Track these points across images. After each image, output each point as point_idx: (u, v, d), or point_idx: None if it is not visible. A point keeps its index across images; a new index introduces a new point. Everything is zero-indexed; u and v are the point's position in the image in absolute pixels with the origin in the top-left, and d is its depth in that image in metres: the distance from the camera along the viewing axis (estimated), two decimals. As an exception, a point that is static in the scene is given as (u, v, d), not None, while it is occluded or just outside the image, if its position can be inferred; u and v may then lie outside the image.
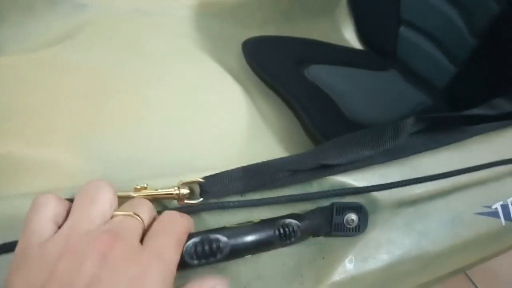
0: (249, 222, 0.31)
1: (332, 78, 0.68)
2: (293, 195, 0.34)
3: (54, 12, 0.55)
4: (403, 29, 0.72)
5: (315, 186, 0.36)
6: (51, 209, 0.24)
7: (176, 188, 0.30)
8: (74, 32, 0.54)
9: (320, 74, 0.68)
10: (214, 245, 0.28)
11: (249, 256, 0.30)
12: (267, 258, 0.35)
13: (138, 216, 0.25)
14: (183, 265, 0.27)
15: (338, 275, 0.35)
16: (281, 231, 0.31)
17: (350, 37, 0.82)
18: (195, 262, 0.27)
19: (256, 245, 0.30)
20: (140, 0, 0.61)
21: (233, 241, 0.29)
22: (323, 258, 0.36)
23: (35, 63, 0.50)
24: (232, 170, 0.32)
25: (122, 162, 0.41)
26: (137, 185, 0.29)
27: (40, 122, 0.44)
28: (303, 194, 0.34)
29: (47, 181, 0.36)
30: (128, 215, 0.25)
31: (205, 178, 0.31)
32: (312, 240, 0.36)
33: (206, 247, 0.27)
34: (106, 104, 0.48)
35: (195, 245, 0.27)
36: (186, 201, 0.31)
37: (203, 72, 0.60)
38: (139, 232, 0.25)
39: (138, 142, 0.46)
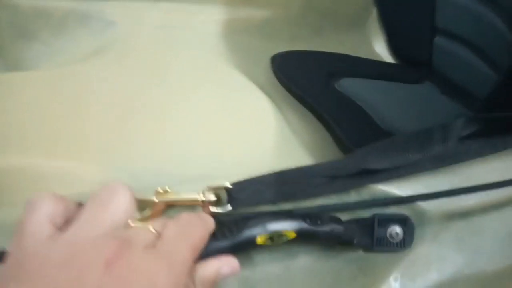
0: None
1: (365, 91, 0.65)
2: (330, 205, 0.31)
3: (85, 29, 0.56)
4: (438, 39, 0.69)
5: (353, 196, 0.33)
6: (46, 209, 0.22)
7: (201, 193, 0.28)
8: (103, 49, 0.55)
9: (351, 87, 0.65)
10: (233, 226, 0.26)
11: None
12: (301, 276, 0.32)
13: (155, 230, 0.23)
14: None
15: (382, 296, 0.31)
16: (308, 219, 0.28)
17: (381, 51, 0.79)
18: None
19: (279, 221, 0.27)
20: (168, 16, 0.61)
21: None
22: (364, 275, 0.32)
23: (63, 78, 0.50)
24: (264, 175, 0.29)
25: (146, 173, 0.40)
26: (159, 188, 0.27)
27: (64, 134, 0.43)
28: (341, 203, 0.31)
29: (68, 191, 0.34)
30: (144, 228, 0.23)
31: (233, 184, 0.29)
32: (352, 255, 0.33)
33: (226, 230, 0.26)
34: (132, 117, 0.47)
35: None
36: (211, 209, 0.28)
37: (231, 86, 0.59)
38: (151, 241, 0.22)
39: (164, 154, 0.44)
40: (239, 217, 0.27)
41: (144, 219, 0.25)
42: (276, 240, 0.27)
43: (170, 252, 0.22)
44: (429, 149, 0.31)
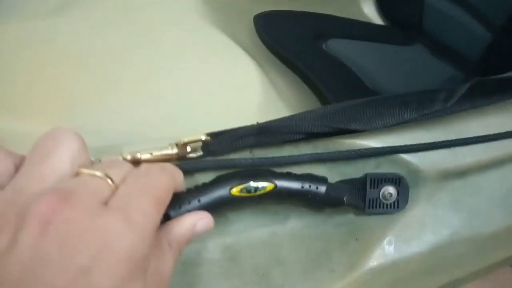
0: None
1: (353, 52, 0.62)
2: (312, 154, 0.28)
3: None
4: (429, -2, 0.66)
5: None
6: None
7: (174, 145, 0.25)
8: (69, 3, 0.50)
9: (340, 48, 0.62)
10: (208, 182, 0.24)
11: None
12: (288, 241, 0.29)
13: (110, 178, 0.19)
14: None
15: (375, 260, 0.29)
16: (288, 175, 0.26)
17: (369, 12, 0.76)
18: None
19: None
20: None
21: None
22: (356, 239, 0.30)
23: (28, 33, 0.45)
24: (245, 127, 0.26)
25: (121, 136, 0.36)
26: (127, 154, 0.24)
27: (30, 95, 0.39)
28: (321, 153, 0.28)
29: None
30: (94, 175, 0.19)
31: (211, 135, 0.26)
32: (342, 219, 0.30)
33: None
34: (104, 77, 0.43)
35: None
36: (188, 156, 0.25)
37: (213, 47, 0.55)
38: (104, 195, 0.18)
39: (140, 116, 0.41)
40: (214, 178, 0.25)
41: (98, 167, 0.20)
42: (252, 192, 0.25)
43: (127, 206, 0.18)
44: (428, 109, 0.28)
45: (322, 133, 0.29)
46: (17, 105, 0.37)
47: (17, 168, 0.19)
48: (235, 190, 0.24)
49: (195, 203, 0.23)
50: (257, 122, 0.27)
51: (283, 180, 0.25)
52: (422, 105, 0.30)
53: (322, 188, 0.27)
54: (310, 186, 0.26)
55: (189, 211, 0.22)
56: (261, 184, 0.25)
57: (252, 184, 0.24)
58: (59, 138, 0.19)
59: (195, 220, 0.22)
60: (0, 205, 0.17)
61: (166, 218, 0.22)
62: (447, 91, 0.30)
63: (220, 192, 0.24)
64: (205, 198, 0.23)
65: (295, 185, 0.26)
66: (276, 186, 0.25)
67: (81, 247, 0.16)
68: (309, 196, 0.26)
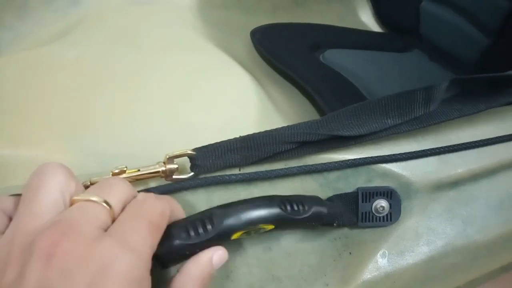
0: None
1: (351, 62, 0.63)
2: (301, 166, 0.29)
3: (49, 9, 0.52)
4: (425, 4, 0.66)
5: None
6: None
7: (162, 163, 0.26)
8: (70, 28, 0.51)
9: (337, 58, 0.62)
10: (207, 221, 0.24)
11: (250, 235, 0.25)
12: (282, 256, 0.30)
13: (105, 201, 0.20)
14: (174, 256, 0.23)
15: (369, 273, 0.30)
16: (288, 206, 0.26)
17: (367, 20, 0.76)
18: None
19: (256, 216, 0.25)
20: (140, -9, 0.57)
21: (226, 213, 0.24)
22: (350, 253, 0.30)
23: (29, 61, 0.47)
24: (229, 140, 0.27)
25: (120, 158, 0.37)
26: (114, 169, 0.25)
27: (30, 121, 0.40)
28: (311, 165, 0.29)
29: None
30: (90, 200, 0.20)
31: (196, 149, 0.27)
32: (336, 233, 0.31)
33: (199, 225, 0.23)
34: (103, 99, 0.45)
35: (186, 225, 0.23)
36: (174, 177, 0.26)
37: (209, 63, 0.56)
38: (102, 220, 0.20)
39: (138, 136, 0.42)
40: (213, 211, 0.25)
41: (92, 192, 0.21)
42: (252, 234, 0.25)
43: (123, 231, 0.19)
44: (410, 113, 0.29)
45: (309, 142, 0.29)
46: (22, 133, 0.39)
47: (12, 211, 0.20)
48: (235, 236, 0.24)
49: (193, 245, 0.23)
50: (240, 136, 0.28)
51: (282, 215, 0.25)
52: (401, 108, 0.30)
53: (320, 214, 0.27)
54: (307, 215, 0.26)
55: (184, 249, 0.23)
56: (262, 226, 0.25)
57: (252, 227, 0.24)
58: (43, 174, 0.20)
59: (211, 254, 0.23)
60: (4, 245, 0.18)
61: (163, 265, 0.23)
62: (425, 91, 0.30)
63: (220, 239, 0.24)
64: (205, 241, 0.23)
65: (293, 217, 0.26)
66: (275, 227, 0.25)
67: (81, 274, 0.17)
68: (306, 223, 0.27)
